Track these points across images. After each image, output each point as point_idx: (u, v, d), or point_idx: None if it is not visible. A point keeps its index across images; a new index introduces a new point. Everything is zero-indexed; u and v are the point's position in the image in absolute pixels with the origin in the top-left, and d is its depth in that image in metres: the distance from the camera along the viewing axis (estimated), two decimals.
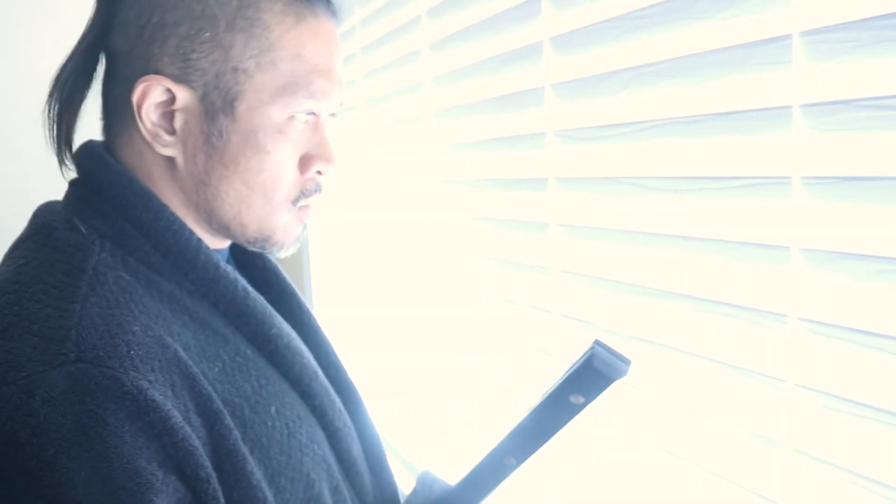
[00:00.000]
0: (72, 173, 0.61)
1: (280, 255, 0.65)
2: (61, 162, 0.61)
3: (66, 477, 0.44)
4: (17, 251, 0.56)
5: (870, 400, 0.53)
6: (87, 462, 0.45)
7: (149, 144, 0.58)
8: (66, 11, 1.34)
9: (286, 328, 0.64)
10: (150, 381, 0.48)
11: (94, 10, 0.59)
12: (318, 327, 0.73)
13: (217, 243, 0.65)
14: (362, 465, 0.68)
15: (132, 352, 0.49)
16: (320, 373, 0.66)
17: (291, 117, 0.58)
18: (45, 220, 0.57)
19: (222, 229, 0.61)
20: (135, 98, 0.56)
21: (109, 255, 0.55)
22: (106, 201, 0.57)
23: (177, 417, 0.49)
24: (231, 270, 0.60)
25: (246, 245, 0.63)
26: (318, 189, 0.63)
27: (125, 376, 0.47)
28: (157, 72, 0.56)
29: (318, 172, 0.62)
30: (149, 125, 0.57)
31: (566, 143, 0.82)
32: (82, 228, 0.56)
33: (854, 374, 0.54)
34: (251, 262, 0.74)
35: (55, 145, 0.60)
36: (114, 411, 0.46)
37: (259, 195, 0.59)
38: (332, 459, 0.64)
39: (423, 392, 1.24)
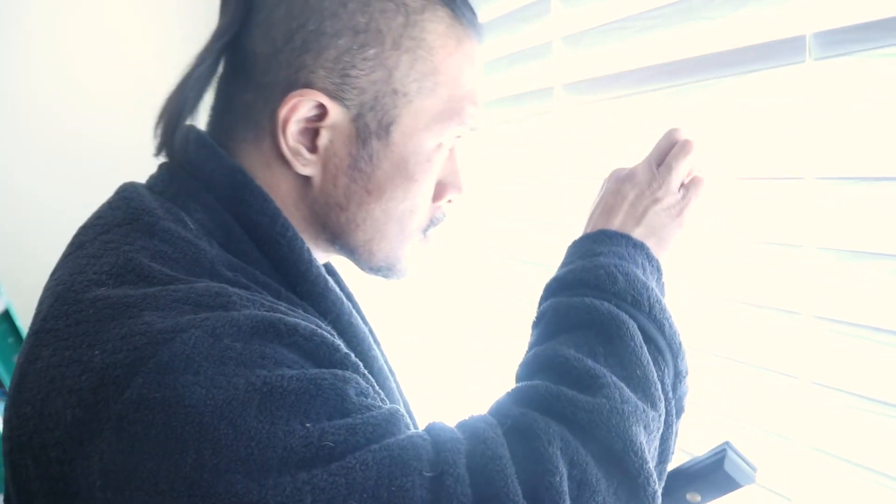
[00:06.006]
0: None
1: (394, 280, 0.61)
2: (166, 150, 0.55)
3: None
4: (109, 234, 0.49)
5: (885, 397, 0.54)
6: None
7: (282, 159, 0.53)
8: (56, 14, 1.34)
9: (378, 351, 0.60)
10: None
11: (225, 6, 0.53)
12: (385, 354, 0.68)
13: (322, 258, 0.60)
14: None
15: (288, 316, 0.45)
16: (401, 401, 0.63)
17: (440, 145, 0.55)
18: (142, 205, 0.50)
19: (346, 252, 0.57)
20: (283, 112, 0.50)
21: (218, 253, 0.50)
22: (215, 196, 0.52)
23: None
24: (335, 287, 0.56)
25: (365, 270, 0.59)
26: (444, 217, 0.60)
27: (297, 323, 0.44)
28: (309, 84, 0.51)
29: (449, 201, 0.59)
30: (291, 142, 0.51)
31: (577, 142, 0.82)
32: (189, 222, 0.50)
33: (869, 371, 0.55)
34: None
35: (161, 137, 0.54)
36: (288, 346, 0.43)
37: (395, 224, 0.55)
38: None
39: (426, 390, 1.24)
